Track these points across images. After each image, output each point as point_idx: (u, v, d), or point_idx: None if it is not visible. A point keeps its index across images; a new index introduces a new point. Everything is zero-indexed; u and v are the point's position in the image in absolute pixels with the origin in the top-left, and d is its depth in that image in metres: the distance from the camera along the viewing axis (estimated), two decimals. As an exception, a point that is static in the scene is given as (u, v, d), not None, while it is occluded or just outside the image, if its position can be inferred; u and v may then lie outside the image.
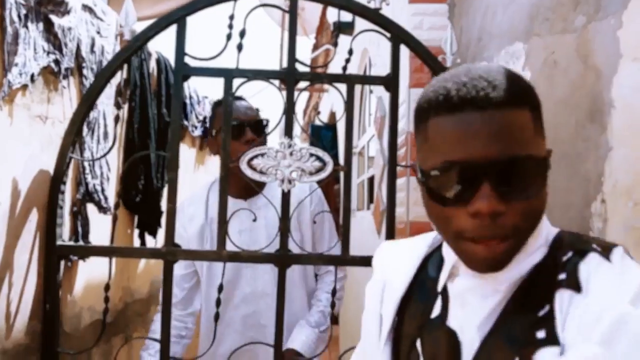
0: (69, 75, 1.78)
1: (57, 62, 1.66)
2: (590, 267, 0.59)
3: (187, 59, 1.45)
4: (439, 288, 0.71)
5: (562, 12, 1.45)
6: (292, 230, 1.52)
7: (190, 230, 1.64)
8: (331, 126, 5.68)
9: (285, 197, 1.18)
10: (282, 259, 1.21)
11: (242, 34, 1.38)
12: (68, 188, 1.82)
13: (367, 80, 1.14)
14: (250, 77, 1.14)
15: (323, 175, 1.14)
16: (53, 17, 1.64)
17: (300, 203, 1.58)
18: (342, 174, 1.33)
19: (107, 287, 1.42)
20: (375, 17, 1.21)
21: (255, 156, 1.20)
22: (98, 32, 1.98)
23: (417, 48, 1.14)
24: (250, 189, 1.56)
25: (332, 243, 1.65)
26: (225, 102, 1.17)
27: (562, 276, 0.60)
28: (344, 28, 3.96)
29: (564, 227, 0.78)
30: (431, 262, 0.75)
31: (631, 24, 1.14)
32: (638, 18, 1.14)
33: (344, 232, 1.19)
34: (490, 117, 0.58)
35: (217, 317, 1.50)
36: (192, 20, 1.65)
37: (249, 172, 1.15)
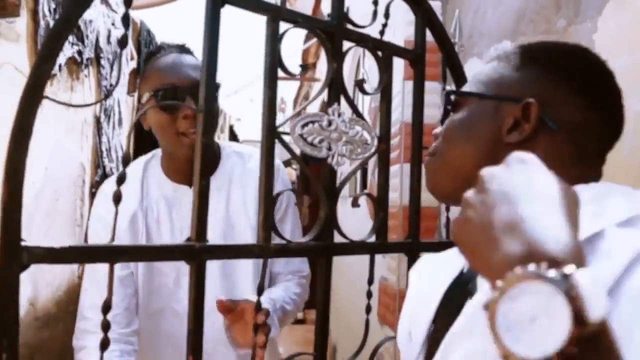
0: (89, 65, 1.91)
1: (79, 52, 1.79)
2: None
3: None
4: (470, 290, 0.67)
5: (546, 14, 1.61)
6: (252, 215, 1.23)
7: (119, 221, 1.12)
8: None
9: (333, 174, 0.93)
10: (328, 250, 0.93)
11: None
12: (87, 170, 1.95)
13: (400, 51, 1.05)
14: (299, 23, 0.89)
15: (369, 152, 0.95)
16: (77, 11, 1.76)
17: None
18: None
19: (106, 307, 0.72)
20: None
21: (306, 124, 0.92)
22: (113, 24, 2.10)
23: (438, 31, 1.12)
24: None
25: (295, 235, 1.31)
26: (273, 51, 0.84)
27: None
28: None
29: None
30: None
31: (604, 29, 1.30)
32: (610, 24, 1.29)
33: (381, 219, 1.00)
34: None
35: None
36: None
37: (300, 144, 0.85)
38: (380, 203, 0.99)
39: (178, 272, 1.22)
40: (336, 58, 0.92)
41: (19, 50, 1.53)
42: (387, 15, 1.06)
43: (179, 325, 1.21)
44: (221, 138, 7.41)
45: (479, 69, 0.71)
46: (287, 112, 13.82)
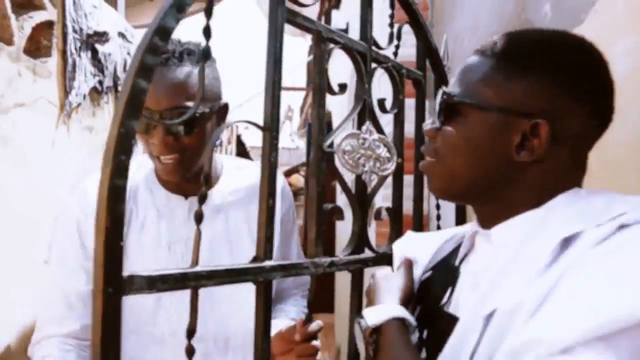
0: (109, 93, 2.14)
1: (100, 82, 2.01)
2: None
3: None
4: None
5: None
6: (256, 233, 1.05)
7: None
8: (328, 124, 5.97)
9: (365, 190, 0.94)
10: (364, 263, 0.93)
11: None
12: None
13: (409, 73, 1.10)
14: (340, 44, 0.90)
15: (391, 168, 0.95)
16: (98, 46, 1.99)
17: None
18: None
19: (191, 331, 0.67)
20: (408, 10, 1.12)
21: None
22: (128, 53, 2.32)
23: (433, 55, 1.18)
24: (194, 184, 1.10)
25: (297, 245, 1.27)
26: (321, 70, 0.85)
27: None
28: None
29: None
30: (458, 252, 0.75)
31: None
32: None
33: (396, 231, 1.02)
34: None
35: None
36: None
37: (341, 162, 0.86)
38: (395, 215, 1.03)
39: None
40: (367, 79, 0.96)
41: (50, 86, 1.76)
42: (399, 37, 1.12)
43: (152, 349, 1.09)
44: (229, 149, 7.63)
45: (470, 63, 0.67)
46: (295, 119, 14.01)
